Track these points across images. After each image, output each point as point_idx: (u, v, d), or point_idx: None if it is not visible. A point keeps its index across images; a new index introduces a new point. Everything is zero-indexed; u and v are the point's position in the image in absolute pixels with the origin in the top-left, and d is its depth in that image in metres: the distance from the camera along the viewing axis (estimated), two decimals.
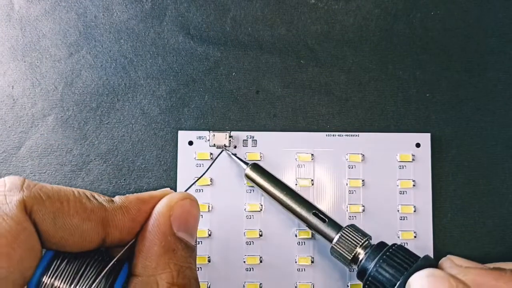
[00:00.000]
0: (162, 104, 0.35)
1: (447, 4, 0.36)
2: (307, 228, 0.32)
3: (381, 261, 0.28)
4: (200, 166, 0.34)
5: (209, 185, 0.34)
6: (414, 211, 0.34)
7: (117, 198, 0.25)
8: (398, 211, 0.34)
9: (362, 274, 0.29)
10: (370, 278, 0.28)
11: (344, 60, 0.36)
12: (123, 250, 0.25)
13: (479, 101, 0.35)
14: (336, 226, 0.30)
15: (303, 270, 0.33)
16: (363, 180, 0.34)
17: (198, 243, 0.33)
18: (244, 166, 0.33)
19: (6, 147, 0.35)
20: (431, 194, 0.34)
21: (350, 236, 0.29)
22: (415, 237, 0.33)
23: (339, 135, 0.34)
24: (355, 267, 0.29)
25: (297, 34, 0.36)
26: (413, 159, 0.34)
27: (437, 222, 0.34)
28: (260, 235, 0.34)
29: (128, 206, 0.25)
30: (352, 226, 0.30)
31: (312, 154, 0.34)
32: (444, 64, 0.36)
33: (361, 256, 0.29)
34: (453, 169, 0.35)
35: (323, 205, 0.34)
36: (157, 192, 0.27)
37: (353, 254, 0.29)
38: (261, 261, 0.33)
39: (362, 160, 0.34)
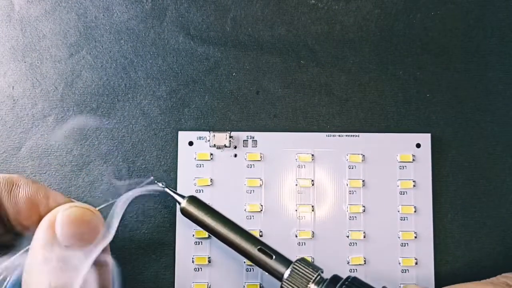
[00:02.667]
0: (162, 105, 0.35)
1: (447, 4, 0.36)
2: (253, 264, 0.29)
3: None
4: (200, 166, 0.34)
5: (209, 185, 0.34)
6: (415, 211, 0.34)
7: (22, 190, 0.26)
8: (399, 211, 0.34)
9: None
10: None
11: (344, 61, 0.36)
12: (19, 253, 0.26)
13: (479, 101, 0.35)
14: (285, 261, 0.28)
15: None
16: (363, 181, 0.34)
17: (199, 243, 0.34)
18: (180, 199, 0.30)
19: (7, 147, 0.35)
20: (431, 194, 0.34)
21: (301, 271, 0.27)
22: (415, 237, 0.33)
23: (339, 136, 0.34)
24: None
25: (297, 34, 0.36)
26: (413, 160, 0.34)
27: (437, 222, 0.34)
28: (260, 235, 0.34)
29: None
30: (303, 260, 0.28)
31: (312, 155, 0.34)
32: (444, 64, 0.36)
33: None
34: (453, 169, 0.35)
35: (324, 206, 0.34)
36: (61, 199, 0.27)
37: None
38: None
39: (362, 160, 0.34)
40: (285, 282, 0.28)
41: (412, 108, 0.35)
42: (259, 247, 0.28)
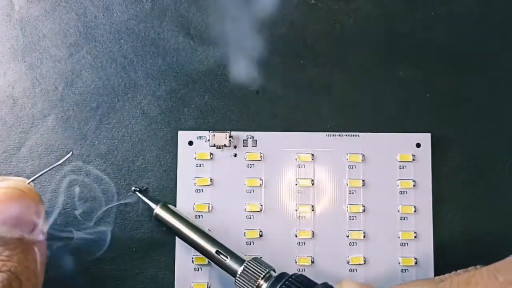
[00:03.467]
0: (162, 104, 0.35)
1: (447, 4, 0.36)
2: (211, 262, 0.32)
3: None
4: (200, 166, 0.34)
5: (209, 185, 0.34)
6: (415, 211, 0.34)
7: None
8: (399, 211, 0.34)
9: None
10: None
11: (344, 60, 0.36)
12: None
13: (479, 101, 0.35)
14: (239, 260, 0.31)
15: (303, 270, 0.33)
16: (363, 180, 0.34)
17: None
18: (153, 206, 0.33)
19: (6, 147, 0.35)
20: (431, 194, 0.34)
21: (252, 268, 0.30)
22: (415, 237, 0.33)
23: (339, 135, 0.34)
24: None
25: (297, 34, 0.36)
26: (413, 159, 0.34)
27: (437, 222, 0.34)
28: (260, 235, 0.34)
29: None
30: (255, 260, 0.31)
31: (312, 154, 0.34)
32: (444, 64, 0.36)
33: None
34: (453, 169, 0.35)
35: (323, 205, 0.34)
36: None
37: (255, 285, 0.30)
38: None
39: (362, 160, 0.34)
40: (238, 278, 0.30)
41: (412, 108, 0.35)
42: (216, 249, 0.31)
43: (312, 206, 0.34)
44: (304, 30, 0.36)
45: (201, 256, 0.33)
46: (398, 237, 0.34)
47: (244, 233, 0.34)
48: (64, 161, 0.32)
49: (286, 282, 0.29)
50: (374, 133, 0.34)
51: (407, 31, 0.36)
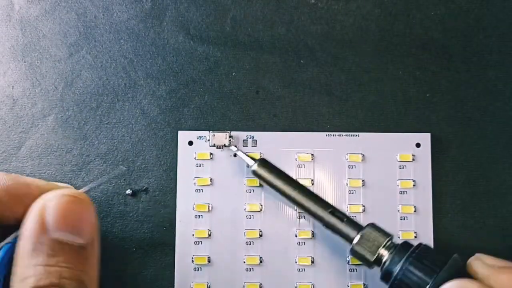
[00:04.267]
0: (162, 104, 0.35)
1: (447, 4, 0.36)
2: (323, 226, 0.30)
3: (407, 263, 0.26)
4: (200, 166, 0.34)
5: (208, 185, 0.34)
6: (414, 211, 0.34)
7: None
8: (398, 211, 0.34)
9: (387, 277, 0.27)
10: (396, 282, 0.27)
11: (344, 60, 0.36)
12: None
13: (479, 101, 0.35)
14: (355, 226, 0.29)
15: (303, 270, 0.33)
16: (363, 180, 0.34)
17: (198, 243, 0.34)
18: (251, 162, 0.32)
19: (6, 147, 0.35)
20: (431, 194, 0.34)
21: (372, 236, 0.28)
22: (415, 237, 0.33)
23: (339, 135, 0.34)
24: (377, 268, 0.28)
25: (297, 34, 0.36)
26: (413, 159, 0.34)
27: (437, 222, 0.34)
28: (260, 235, 0.34)
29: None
30: (373, 226, 0.29)
31: (312, 154, 0.34)
32: (444, 64, 0.36)
33: (384, 258, 0.28)
34: (453, 169, 0.35)
35: None
36: (43, 184, 0.27)
37: (376, 255, 0.28)
38: (261, 261, 0.33)
39: (362, 160, 0.34)
40: (355, 245, 0.28)
41: (412, 108, 0.35)
42: (330, 210, 0.30)
43: None
44: (304, 31, 0.36)
45: (201, 255, 0.33)
46: (398, 237, 0.33)
47: (244, 233, 0.34)
48: (116, 175, 0.33)
49: (413, 254, 0.27)
50: (374, 133, 0.35)
51: (407, 31, 0.36)
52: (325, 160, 0.34)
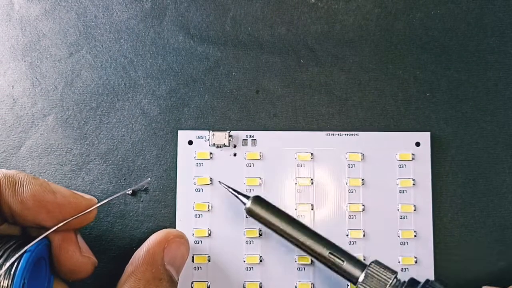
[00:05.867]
0: (162, 104, 0.35)
1: (447, 4, 0.36)
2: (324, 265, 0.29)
3: None
4: (199, 165, 0.34)
5: (208, 184, 0.34)
6: (414, 210, 0.34)
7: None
8: (398, 210, 0.34)
9: None
10: None
11: (344, 60, 0.36)
12: (37, 240, 0.27)
13: (479, 100, 0.35)
14: (358, 264, 0.28)
15: (303, 269, 0.33)
16: (363, 179, 0.34)
17: (198, 242, 0.34)
18: (244, 200, 0.31)
19: (6, 146, 0.35)
20: (431, 193, 0.34)
21: (378, 273, 0.27)
22: (415, 236, 0.33)
23: (338, 134, 0.34)
24: None
25: (297, 33, 0.36)
26: (413, 158, 0.34)
27: (437, 221, 0.34)
28: (260, 235, 0.34)
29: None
30: (377, 263, 0.28)
31: (311, 154, 0.34)
32: (444, 63, 0.36)
33: None
34: (453, 168, 0.35)
35: (323, 205, 0.34)
36: (69, 194, 0.28)
37: None
38: (261, 261, 0.33)
39: (362, 159, 0.34)
40: (361, 285, 0.27)
41: (412, 108, 0.35)
42: (329, 251, 0.28)
43: (312, 205, 0.34)
44: (304, 30, 0.36)
45: (201, 255, 0.33)
46: (398, 236, 0.33)
47: (244, 232, 0.34)
48: (142, 185, 0.34)
49: None
50: (373, 132, 0.34)
51: (407, 30, 0.36)
52: (324, 160, 0.34)
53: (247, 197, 0.31)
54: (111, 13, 0.36)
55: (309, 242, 0.29)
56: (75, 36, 0.36)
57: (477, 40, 0.36)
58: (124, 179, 0.35)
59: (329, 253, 0.28)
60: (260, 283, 0.33)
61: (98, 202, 0.30)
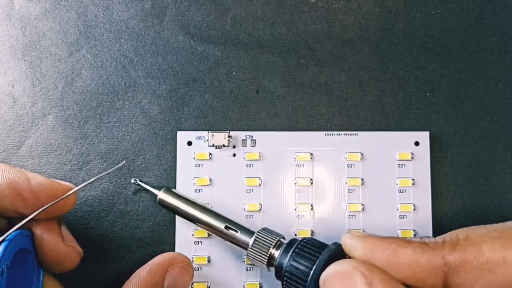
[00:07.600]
0: (162, 104, 0.35)
1: (447, 4, 0.36)
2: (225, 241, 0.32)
3: (293, 254, 0.28)
4: (199, 166, 0.34)
5: (208, 185, 0.34)
6: (414, 209, 0.34)
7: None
8: (398, 209, 0.34)
9: (278, 272, 0.29)
10: (286, 274, 0.28)
11: (344, 60, 0.36)
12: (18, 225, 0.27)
13: (479, 100, 0.35)
14: (249, 233, 0.31)
15: None
16: (362, 179, 0.34)
17: (198, 243, 0.34)
18: (156, 192, 0.33)
19: (6, 146, 0.35)
20: (430, 192, 0.34)
21: (263, 238, 0.30)
22: (414, 235, 0.33)
23: (338, 134, 0.34)
24: (272, 268, 0.29)
25: (297, 33, 0.36)
26: (412, 158, 0.34)
27: (436, 221, 0.34)
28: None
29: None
30: (265, 230, 0.31)
31: (311, 154, 0.34)
32: (444, 63, 0.36)
33: (276, 256, 0.29)
34: (452, 168, 0.35)
35: (323, 204, 0.34)
36: (44, 180, 0.28)
37: (268, 255, 0.29)
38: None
39: (361, 159, 0.34)
40: (250, 249, 0.30)
41: (412, 107, 0.35)
42: (225, 225, 0.31)
43: (311, 205, 0.34)
44: (304, 30, 0.36)
45: (201, 255, 0.33)
46: (398, 235, 0.34)
47: None
48: (115, 169, 0.34)
49: (299, 246, 0.28)
50: (373, 132, 0.34)
51: (407, 30, 0.36)
52: (324, 159, 0.34)
53: (159, 189, 0.33)
54: (111, 12, 0.36)
55: (209, 219, 0.32)
56: (75, 36, 0.36)
57: (477, 40, 0.36)
58: (124, 179, 0.35)
59: (225, 226, 0.31)
60: (260, 283, 0.33)
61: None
